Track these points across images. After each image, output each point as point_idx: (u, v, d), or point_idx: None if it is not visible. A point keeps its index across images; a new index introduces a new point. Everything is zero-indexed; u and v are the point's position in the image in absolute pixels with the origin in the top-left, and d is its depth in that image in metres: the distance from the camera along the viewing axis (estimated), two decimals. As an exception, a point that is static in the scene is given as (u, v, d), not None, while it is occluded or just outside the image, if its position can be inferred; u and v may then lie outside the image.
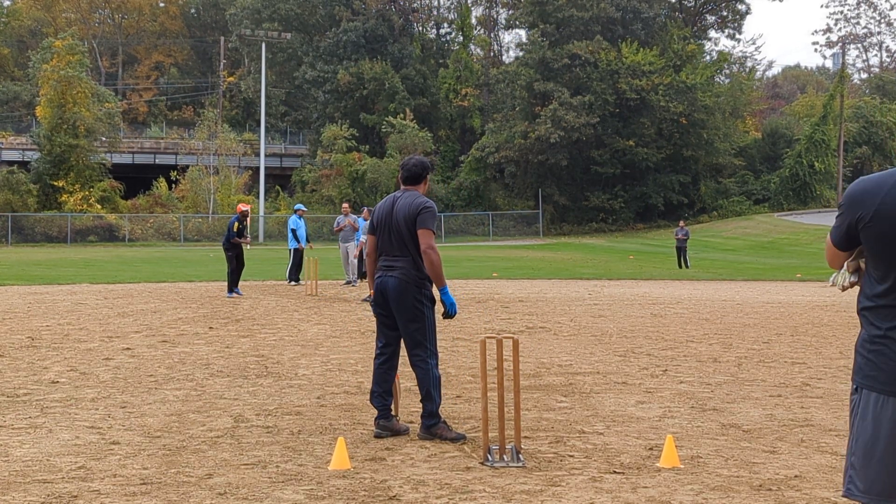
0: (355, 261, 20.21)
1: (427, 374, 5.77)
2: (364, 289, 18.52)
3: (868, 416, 2.89)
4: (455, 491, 4.63)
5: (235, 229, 17.38)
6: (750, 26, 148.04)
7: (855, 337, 10.61)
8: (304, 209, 20.42)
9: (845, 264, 3.15)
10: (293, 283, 20.17)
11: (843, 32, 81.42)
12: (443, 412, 6.10)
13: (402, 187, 6.04)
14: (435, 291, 5.90)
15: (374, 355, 6.09)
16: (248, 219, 18.19)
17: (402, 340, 5.97)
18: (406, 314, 5.78)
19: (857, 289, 3.11)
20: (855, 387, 2.98)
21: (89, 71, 59.57)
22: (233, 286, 17.27)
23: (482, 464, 5.13)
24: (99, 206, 53.18)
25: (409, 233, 5.77)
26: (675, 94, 56.25)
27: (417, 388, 5.93)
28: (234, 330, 11.79)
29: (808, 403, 6.99)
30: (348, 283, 20.25)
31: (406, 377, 7.35)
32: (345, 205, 21.39)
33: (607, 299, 17.05)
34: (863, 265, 3.07)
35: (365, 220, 20.94)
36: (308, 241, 20.13)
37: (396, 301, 5.78)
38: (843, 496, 3.00)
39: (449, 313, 5.77)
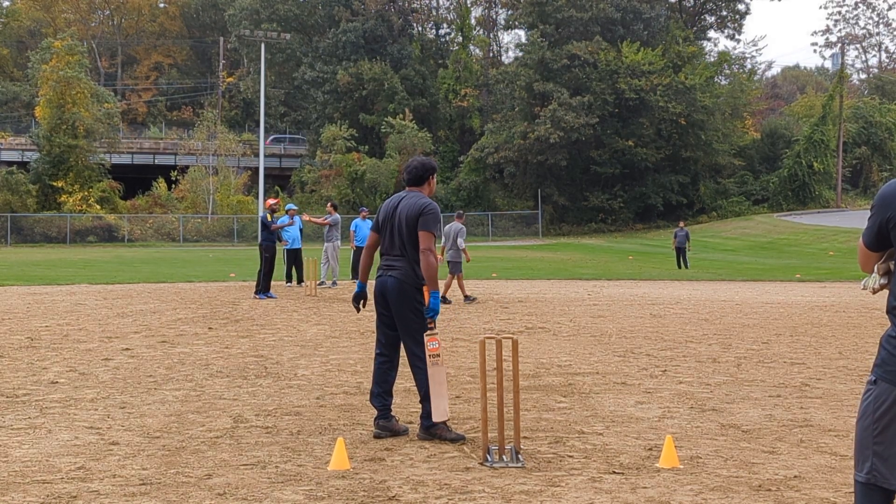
0: (335, 262, 20.28)
1: (425, 376, 5.75)
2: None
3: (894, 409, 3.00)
4: (454, 491, 4.62)
5: (269, 220, 17.42)
6: (750, 27, 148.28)
7: (854, 337, 10.53)
8: (295, 208, 20.21)
9: (876, 267, 3.18)
10: (287, 283, 20.19)
11: (842, 33, 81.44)
12: (442, 412, 6.09)
13: (407, 189, 6.04)
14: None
15: (374, 355, 6.08)
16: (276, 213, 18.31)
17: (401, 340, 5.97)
18: (404, 315, 5.78)
19: (886, 291, 3.13)
20: (874, 378, 3.03)
21: (88, 71, 59.49)
22: (267, 288, 17.19)
23: (481, 464, 5.13)
24: (98, 207, 53.18)
25: (410, 234, 5.75)
26: (674, 95, 56.23)
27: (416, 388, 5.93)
28: (234, 330, 11.79)
29: (808, 404, 6.99)
30: (320, 283, 20.04)
31: (405, 377, 7.35)
32: (328, 206, 21.51)
33: (607, 299, 17.04)
34: (892, 267, 3.10)
35: (363, 219, 20.97)
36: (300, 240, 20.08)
37: (395, 302, 5.78)
38: (863, 481, 3.05)
39: (426, 314, 5.70)
